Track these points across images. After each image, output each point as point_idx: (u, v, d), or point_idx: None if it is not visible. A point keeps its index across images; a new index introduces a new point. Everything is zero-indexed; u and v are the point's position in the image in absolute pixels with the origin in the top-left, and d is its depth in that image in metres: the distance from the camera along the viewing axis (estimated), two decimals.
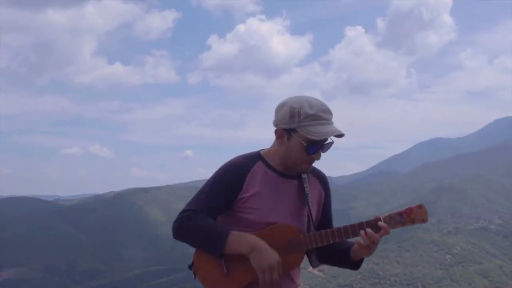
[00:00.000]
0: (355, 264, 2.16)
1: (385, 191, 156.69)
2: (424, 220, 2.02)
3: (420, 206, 2.03)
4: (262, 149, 2.17)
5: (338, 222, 2.23)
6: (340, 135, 2.01)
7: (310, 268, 76.48)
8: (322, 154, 2.08)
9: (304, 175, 2.14)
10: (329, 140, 2.05)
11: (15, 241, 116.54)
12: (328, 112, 2.02)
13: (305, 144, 2.00)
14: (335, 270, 77.14)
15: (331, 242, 2.03)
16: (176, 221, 2.03)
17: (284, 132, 2.04)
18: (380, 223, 1.99)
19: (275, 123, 2.07)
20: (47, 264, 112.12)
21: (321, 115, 1.99)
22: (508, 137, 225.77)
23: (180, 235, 2.02)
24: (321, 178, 2.25)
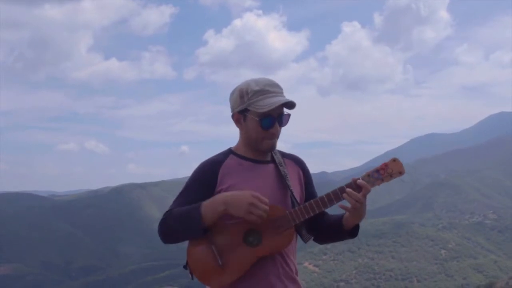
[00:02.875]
0: (351, 233, 2.17)
1: (381, 186, 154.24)
2: (401, 173, 2.02)
3: (394, 160, 2.03)
4: (233, 146, 2.24)
5: None
6: (291, 104, 2.07)
7: (306, 263, 76.85)
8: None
9: (279, 159, 2.20)
10: (285, 113, 2.11)
11: (10, 237, 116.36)
12: (275, 85, 2.10)
13: (257, 119, 2.06)
14: (331, 265, 77.48)
15: (317, 211, 2.05)
16: (158, 227, 2.09)
17: (240, 114, 2.12)
18: (359, 181, 2.01)
19: (231, 110, 2.16)
20: (43, 260, 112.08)
21: (268, 89, 2.07)
22: (503, 133, 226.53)
23: (165, 236, 2.09)
24: (297, 160, 2.29)
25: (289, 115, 2.12)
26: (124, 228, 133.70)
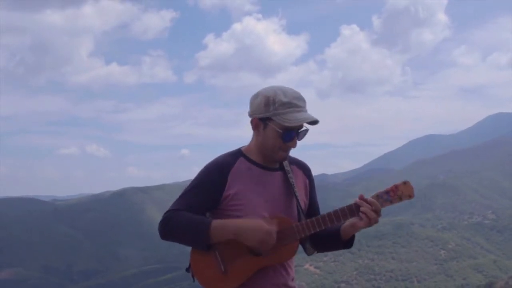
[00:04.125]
0: (347, 243, 2.22)
1: (380, 188, 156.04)
2: (410, 196, 2.02)
3: (405, 183, 2.03)
4: (243, 146, 2.20)
5: None
6: (315, 122, 2.06)
7: (307, 265, 77.22)
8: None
9: (287, 167, 2.18)
10: (304, 128, 2.09)
11: (12, 241, 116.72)
12: (302, 99, 2.06)
13: (281, 132, 2.02)
14: (331, 266, 77.80)
15: (324, 227, 2.06)
16: (160, 222, 2.05)
17: (260, 121, 2.07)
18: (370, 199, 2.05)
19: (251, 114, 2.11)
20: (44, 264, 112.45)
21: (295, 102, 2.02)
22: (500, 134, 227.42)
23: (166, 235, 2.05)
24: (304, 168, 2.28)
25: (307, 130, 2.11)
26: (125, 231, 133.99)
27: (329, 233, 2.18)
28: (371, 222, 2.03)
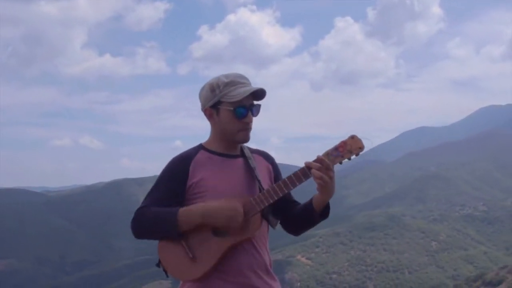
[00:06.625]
0: (322, 214, 2.19)
1: (373, 180, 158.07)
2: (361, 148, 2.02)
3: (352, 137, 2.04)
4: (203, 142, 2.31)
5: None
6: (261, 91, 2.17)
7: (298, 256, 77.56)
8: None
9: (248, 153, 2.27)
10: (256, 103, 2.20)
11: (4, 233, 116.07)
12: (244, 77, 2.19)
13: (232, 109, 2.13)
14: (323, 258, 78.19)
15: (281, 194, 2.08)
16: (131, 222, 2.14)
17: (212, 109, 2.19)
18: (318, 155, 2.03)
19: (202, 107, 2.24)
20: (37, 256, 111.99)
21: (238, 80, 2.16)
22: (492, 126, 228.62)
23: (138, 232, 2.13)
24: (265, 155, 2.37)
25: (259, 105, 2.22)
26: (118, 222, 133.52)
27: (302, 210, 2.21)
28: (324, 180, 2.01)
